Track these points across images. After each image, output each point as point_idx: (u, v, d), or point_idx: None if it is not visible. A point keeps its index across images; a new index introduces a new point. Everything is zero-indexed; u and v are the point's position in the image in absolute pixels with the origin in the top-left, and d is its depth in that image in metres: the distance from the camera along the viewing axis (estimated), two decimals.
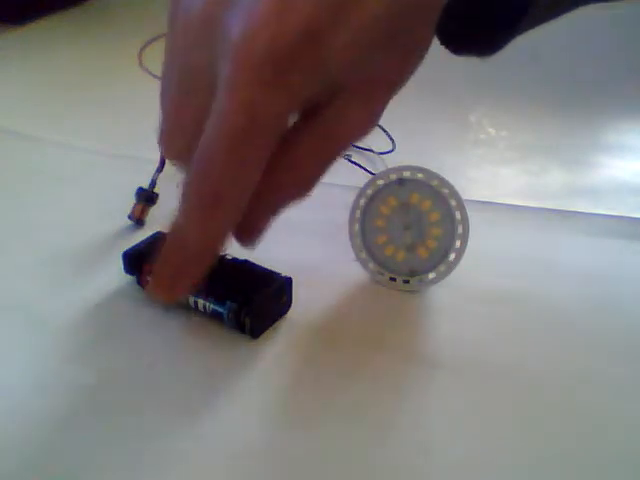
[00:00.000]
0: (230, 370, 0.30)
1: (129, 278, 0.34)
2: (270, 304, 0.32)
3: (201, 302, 0.32)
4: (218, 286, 0.31)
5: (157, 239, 0.35)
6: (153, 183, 0.40)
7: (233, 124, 0.21)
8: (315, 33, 0.20)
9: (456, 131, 0.53)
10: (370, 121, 0.24)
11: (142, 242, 0.35)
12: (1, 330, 0.32)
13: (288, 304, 0.33)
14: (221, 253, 0.33)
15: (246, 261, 0.33)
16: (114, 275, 0.35)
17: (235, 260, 0.33)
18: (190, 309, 0.32)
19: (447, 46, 0.28)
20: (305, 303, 0.34)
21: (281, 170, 0.24)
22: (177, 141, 0.25)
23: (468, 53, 0.28)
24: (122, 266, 0.34)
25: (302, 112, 0.23)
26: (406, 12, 0.22)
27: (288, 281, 0.33)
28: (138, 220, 0.39)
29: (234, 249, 0.34)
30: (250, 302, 0.30)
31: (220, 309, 0.31)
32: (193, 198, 0.23)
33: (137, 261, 0.34)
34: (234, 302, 0.31)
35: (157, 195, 0.40)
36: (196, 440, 0.27)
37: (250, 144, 0.21)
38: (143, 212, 0.39)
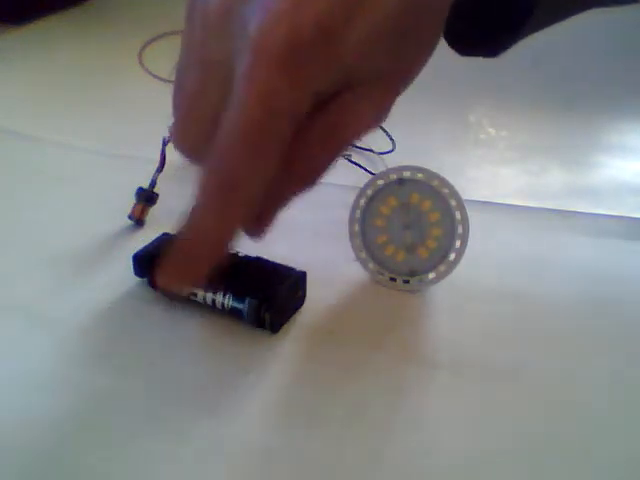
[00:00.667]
0: (241, 369, 0.30)
1: (132, 278, 0.34)
2: (288, 299, 0.32)
3: (219, 299, 0.32)
4: (235, 283, 0.31)
5: (166, 240, 0.35)
6: (153, 183, 0.40)
7: (250, 115, 0.21)
8: (330, 26, 0.21)
9: (456, 131, 0.53)
10: (379, 114, 0.25)
11: (150, 244, 0.35)
12: (3, 331, 0.32)
13: (303, 298, 0.33)
14: (232, 250, 0.33)
15: (259, 257, 0.33)
16: (115, 275, 0.35)
17: (248, 257, 0.33)
18: (207, 307, 0.32)
19: (453, 46, 0.28)
20: (305, 303, 0.34)
21: (293, 162, 0.24)
22: (192, 136, 0.25)
23: (474, 54, 0.29)
24: (131, 268, 0.34)
25: (313, 104, 0.24)
26: (414, 11, 0.22)
27: (303, 275, 0.33)
28: (138, 220, 0.39)
29: (241, 247, 0.34)
30: (270, 297, 0.31)
31: (239, 306, 0.31)
32: (210, 187, 0.23)
33: (148, 263, 0.34)
34: (254, 298, 0.31)
35: (157, 195, 0.40)
36: (194, 440, 0.27)
37: (267, 135, 0.22)
38: (143, 212, 0.39)
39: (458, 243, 0.34)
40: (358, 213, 0.35)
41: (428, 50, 0.25)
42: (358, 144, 0.48)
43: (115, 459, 0.26)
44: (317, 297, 0.34)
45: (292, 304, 0.33)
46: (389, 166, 0.35)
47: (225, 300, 0.31)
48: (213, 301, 0.32)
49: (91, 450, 0.26)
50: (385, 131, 0.50)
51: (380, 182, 0.34)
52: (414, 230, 0.34)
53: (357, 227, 0.35)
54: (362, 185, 0.35)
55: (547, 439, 0.27)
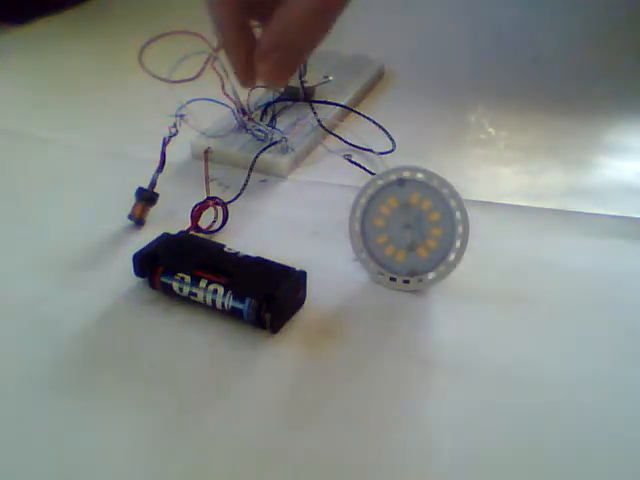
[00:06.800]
0: (241, 369, 0.30)
1: (132, 278, 0.34)
2: (288, 299, 0.32)
3: (219, 299, 0.32)
4: (235, 283, 0.31)
5: (165, 241, 0.35)
6: (153, 183, 0.40)
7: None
8: None
9: (456, 131, 0.53)
10: None
11: (150, 244, 0.35)
12: (3, 331, 0.32)
13: (303, 298, 0.34)
14: (233, 251, 0.34)
15: (259, 257, 0.33)
16: (115, 275, 0.35)
17: (248, 257, 0.33)
18: (207, 307, 0.32)
19: None
20: (305, 303, 0.34)
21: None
22: None
23: None
24: (131, 268, 0.34)
25: None
26: None
27: (303, 275, 0.33)
28: (138, 220, 0.39)
29: (241, 247, 0.34)
30: (270, 297, 0.31)
31: (239, 306, 0.31)
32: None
33: (148, 263, 0.33)
34: (254, 298, 0.31)
35: (157, 195, 0.40)
36: (194, 440, 0.27)
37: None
38: (143, 212, 0.39)
39: (458, 243, 0.34)
40: (358, 213, 0.35)
41: None
42: (358, 144, 0.48)
43: (114, 458, 0.26)
44: (317, 297, 0.34)
45: (292, 304, 0.33)
46: (389, 166, 0.35)
47: (225, 300, 0.31)
48: (213, 301, 0.32)
49: (90, 450, 0.26)
50: (385, 131, 0.50)
51: (380, 182, 0.34)
52: (414, 230, 0.34)
53: (357, 227, 0.35)
54: (362, 185, 0.35)
55: (547, 439, 0.27)
